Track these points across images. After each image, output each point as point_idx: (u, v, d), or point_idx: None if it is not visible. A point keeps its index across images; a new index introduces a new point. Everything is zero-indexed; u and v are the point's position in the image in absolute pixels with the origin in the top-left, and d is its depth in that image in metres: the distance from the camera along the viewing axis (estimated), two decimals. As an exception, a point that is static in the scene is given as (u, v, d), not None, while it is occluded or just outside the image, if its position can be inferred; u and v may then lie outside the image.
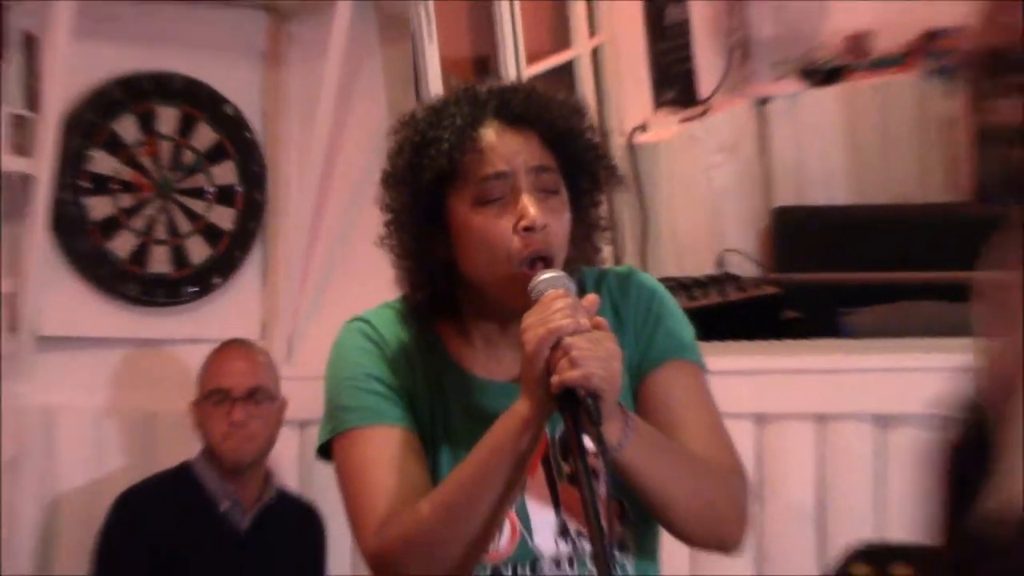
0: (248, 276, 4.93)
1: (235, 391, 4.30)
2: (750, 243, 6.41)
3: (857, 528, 4.19)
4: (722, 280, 5.78)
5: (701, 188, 6.52)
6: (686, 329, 2.54)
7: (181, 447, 4.48)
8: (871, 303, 5.59)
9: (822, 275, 6.08)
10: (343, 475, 2.51)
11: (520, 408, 2.31)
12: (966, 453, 2.46)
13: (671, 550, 2.46)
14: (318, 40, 4.69)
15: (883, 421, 4.27)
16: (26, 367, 4.59)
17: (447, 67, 4.88)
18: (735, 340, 4.87)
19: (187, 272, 4.86)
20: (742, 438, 4.00)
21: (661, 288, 2.57)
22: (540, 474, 2.48)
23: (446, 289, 2.50)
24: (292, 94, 4.92)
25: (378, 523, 2.42)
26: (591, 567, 2.52)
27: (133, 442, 4.75)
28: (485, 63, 5.45)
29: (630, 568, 2.56)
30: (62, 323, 4.69)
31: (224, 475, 4.30)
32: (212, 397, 4.30)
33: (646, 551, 2.56)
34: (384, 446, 2.48)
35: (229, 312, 4.87)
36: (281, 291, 4.92)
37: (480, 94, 2.45)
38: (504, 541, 2.50)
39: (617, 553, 2.55)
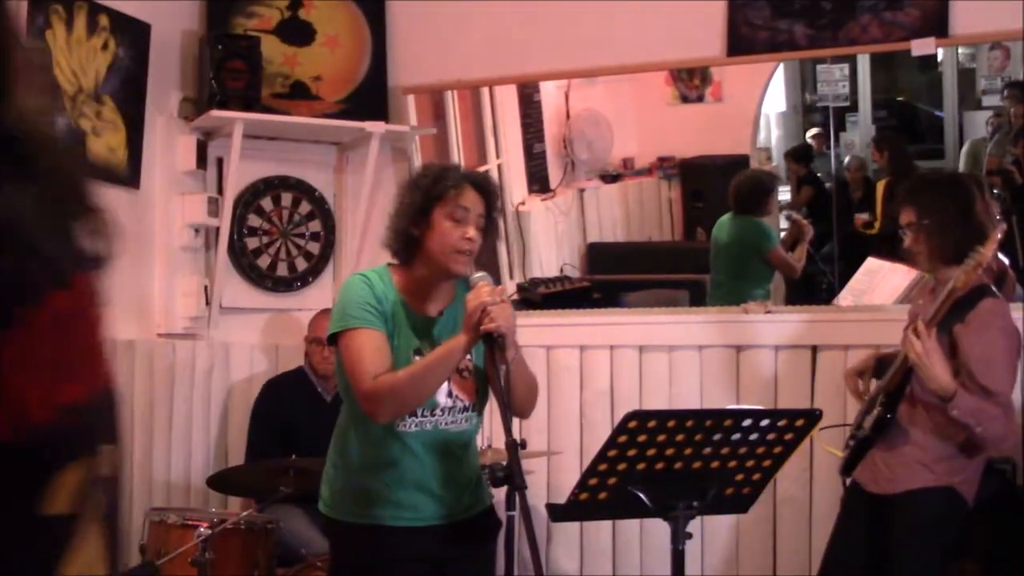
0: (326, 278, 5.27)
1: (324, 338, 4.24)
2: (576, 260, 7.23)
3: (634, 404, 4.63)
4: (563, 279, 6.50)
5: (551, 233, 7.11)
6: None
7: (290, 362, 4.89)
8: (635, 290, 6.32)
9: (611, 276, 6.78)
10: (349, 352, 2.81)
11: (461, 339, 2.77)
12: None
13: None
14: (361, 159, 5.13)
15: (643, 348, 4.77)
16: (216, 323, 5.04)
17: None
18: (569, 308, 5.36)
19: (295, 275, 5.22)
20: (571, 359, 4.84)
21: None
22: None
23: (409, 255, 2.94)
24: (348, 187, 5.28)
25: (371, 377, 2.77)
26: (458, 413, 2.96)
27: (268, 359, 5.10)
28: (444, 171, 6.19)
29: (475, 419, 3.03)
30: (233, 300, 5.09)
31: (318, 376, 4.65)
32: (314, 341, 4.62)
33: (481, 411, 3.05)
34: (373, 339, 2.82)
35: (317, 296, 5.17)
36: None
37: (464, 170, 3.05)
38: None
39: (472, 411, 3.00)
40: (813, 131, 9.46)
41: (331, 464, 3.05)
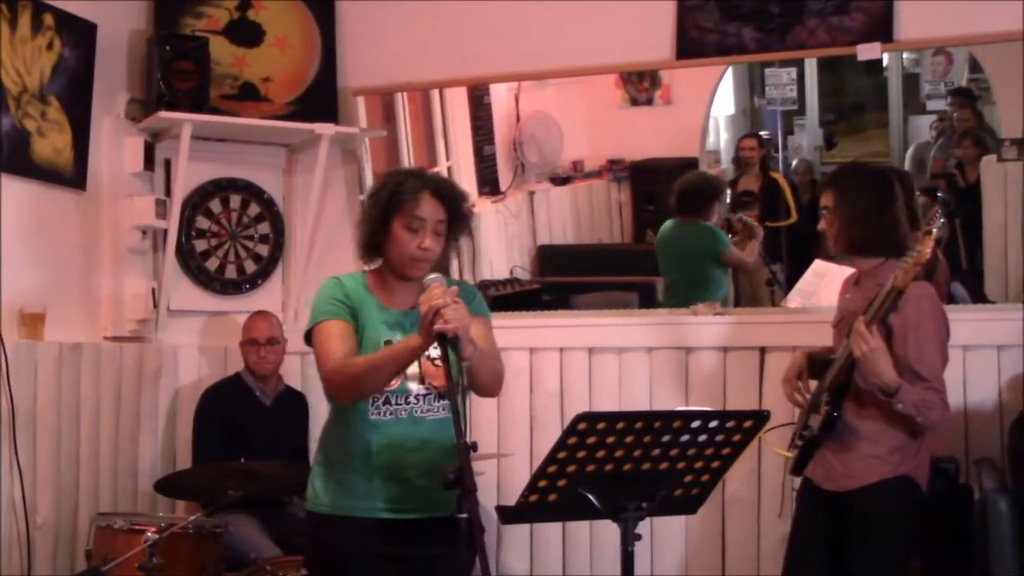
0: (275, 280, 5.26)
1: (260, 339, 4.68)
2: (526, 262, 7.25)
3: (584, 405, 4.68)
4: (513, 281, 6.56)
5: (501, 235, 7.11)
6: (485, 306, 3.13)
7: (238, 364, 4.82)
8: (585, 292, 6.37)
9: (560, 278, 6.85)
10: (316, 342, 2.98)
11: (415, 339, 2.83)
12: None
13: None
14: (310, 161, 5.14)
15: (592, 350, 4.79)
16: (164, 326, 5.03)
17: (375, 175, 5.24)
18: (520, 311, 5.48)
19: (244, 277, 5.22)
20: (522, 362, 4.83)
21: (476, 291, 3.18)
22: None
23: (376, 260, 3.05)
24: (297, 188, 5.29)
25: (336, 361, 2.91)
26: (434, 401, 3.01)
27: (216, 362, 5.10)
28: (394, 173, 6.19)
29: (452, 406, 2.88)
30: (181, 303, 5.08)
31: (257, 379, 4.71)
32: (248, 342, 4.71)
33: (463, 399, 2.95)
34: (337, 327, 2.96)
35: (265, 298, 5.18)
36: (291, 288, 5.23)
37: (424, 175, 3.06)
38: (394, 381, 2.95)
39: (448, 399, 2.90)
40: (761, 135, 9.51)
41: (315, 461, 3.11)
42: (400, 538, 2.98)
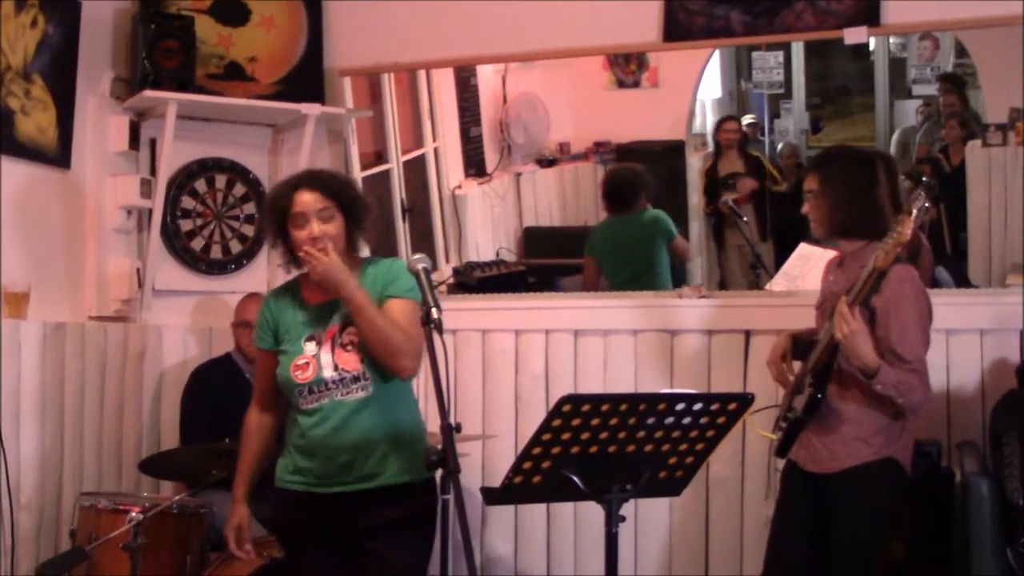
0: (260, 261, 5.25)
1: (253, 320, 4.27)
2: (512, 244, 7.26)
3: (569, 387, 4.69)
4: (499, 263, 6.53)
5: (487, 217, 7.10)
6: (408, 284, 3.10)
7: (224, 345, 4.86)
8: (571, 274, 6.33)
9: (546, 260, 6.85)
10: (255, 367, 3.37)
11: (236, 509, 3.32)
12: None
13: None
14: (296, 141, 5.12)
15: (578, 332, 4.79)
16: (149, 306, 5.02)
17: (361, 156, 5.35)
18: (505, 292, 5.38)
19: (230, 258, 5.20)
20: (507, 344, 4.84)
21: (403, 266, 3.19)
22: (330, 343, 3.16)
23: (296, 264, 3.21)
24: (283, 168, 5.17)
25: (253, 403, 3.35)
26: (350, 384, 3.12)
27: (201, 342, 5.09)
28: (380, 153, 5.81)
29: (373, 387, 3.14)
30: (166, 283, 5.07)
31: (247, 359, 4.62)
32: (241, 324, 4.68)
33: (382, 379, 3.15)
34: (264, 364, 3.30)
35: (251, 279, 5.18)
36: (277, 269, 4.76)
37: (293, 177, 3.19)
38: (309, 372, 3.15)
39: (365, 379, 3.13)
40: (747, 118, 9.53)
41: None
42: (332, 511, 3.15)
